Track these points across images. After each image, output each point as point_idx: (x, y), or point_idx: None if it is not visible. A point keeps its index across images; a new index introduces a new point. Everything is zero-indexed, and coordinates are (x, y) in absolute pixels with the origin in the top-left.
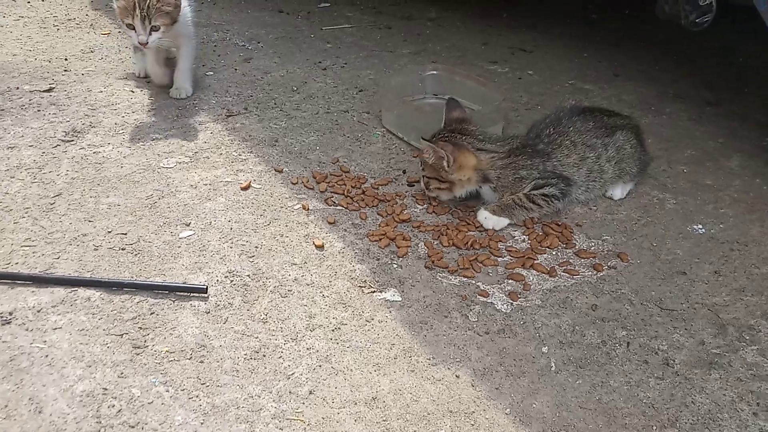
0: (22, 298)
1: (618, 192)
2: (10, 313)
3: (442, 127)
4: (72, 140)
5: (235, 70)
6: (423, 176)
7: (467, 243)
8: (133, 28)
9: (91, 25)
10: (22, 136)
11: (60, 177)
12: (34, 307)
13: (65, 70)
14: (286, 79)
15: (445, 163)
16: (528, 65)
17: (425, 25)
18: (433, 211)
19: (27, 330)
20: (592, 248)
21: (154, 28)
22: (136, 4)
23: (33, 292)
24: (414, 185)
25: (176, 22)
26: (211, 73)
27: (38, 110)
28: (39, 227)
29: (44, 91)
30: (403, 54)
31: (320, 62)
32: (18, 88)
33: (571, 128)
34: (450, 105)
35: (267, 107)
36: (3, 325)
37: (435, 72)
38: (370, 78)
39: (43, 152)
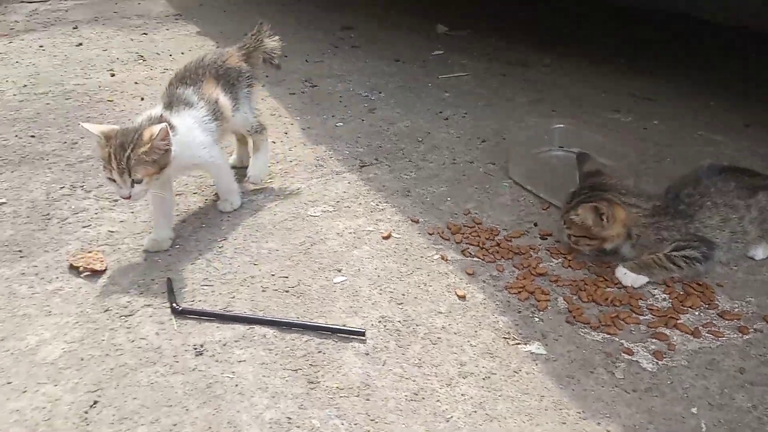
0: (210, 333)
1: (760, 252)
2: (202, 345)
3: (578, 182)
4: None
5: (362, 120)
6: (569, 234)
7: (607, 299)
8: (114, 181)
9: None
10: (186, 184)
11: (223, 222)
12: (220, 341)
13: None
14: (411, 129)
15: (605, 219)
16: (652, 114)
17: (541, 72)
18: (569, 266)
19: (217, 361)
20: (736, 309)
21: (136, 181)
22: (112, 155)
23: (218, 327)
24: (547, 238)
25: (167, 166)
26: (341, 123)
27: None
28: (213, 268)
29: None
30: (522, 103)
31: (441, 112)
32: None
33: (712, 189)
34: (581, 159)
35: (396, 158)
36: (197, 356)
37: (562, 125)
38: (491, 128)
39: (206, 200)
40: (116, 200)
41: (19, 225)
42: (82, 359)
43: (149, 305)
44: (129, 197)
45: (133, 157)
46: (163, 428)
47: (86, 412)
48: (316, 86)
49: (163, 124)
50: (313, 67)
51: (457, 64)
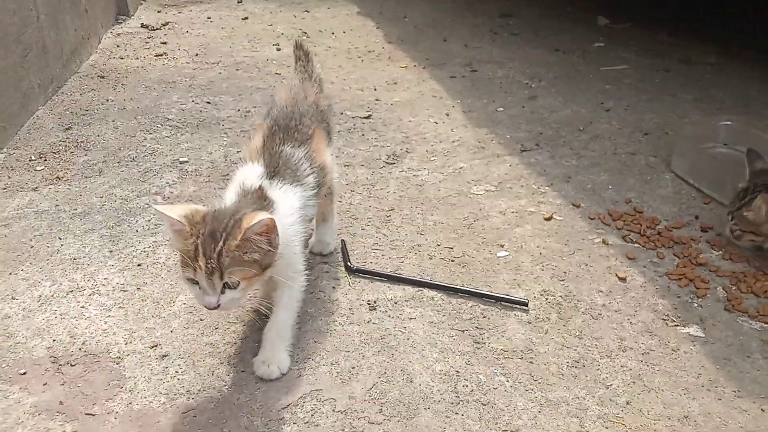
0: (381, 291)
1: None
2: (375, 302)
3: (748, 179)
4: (394, 163)
5: (523, 107)
6: (734, 228)
7: (767, 292)
8: (196, 283)
9: (389, 57)
10: (354, 156)
11: (390, 194)
12: (391, 299)
13: (377, 100)
14: (572, 118)
15: None
16: None
17: (705, 70)
18: (729, 258)
19: (389, 317)
20: None
21: (229, 285)
22: (199, 249)
23: (389, 287)
24: (707, 231)
25: (270, 267)
26: (501, 109)
27: (362, 134)
28: (382, 235)
29: (364, 117)
30: (686, 99)
31: (602, 103)
32: (343, 113)
33: None
34: (751, 156)
35: (557, 145)
36: (370, 310)
37: (729, 122)
38: (653, 122)
39: (373, 172)
40: None
41: (201, 183)
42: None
43: (325, 263)
44: (217, 306)
45: (226, 252)
46: (342, 369)
47: None
48: (476, 71)
49: (268, 216)
50: (473, 53)
51: (619, 57)
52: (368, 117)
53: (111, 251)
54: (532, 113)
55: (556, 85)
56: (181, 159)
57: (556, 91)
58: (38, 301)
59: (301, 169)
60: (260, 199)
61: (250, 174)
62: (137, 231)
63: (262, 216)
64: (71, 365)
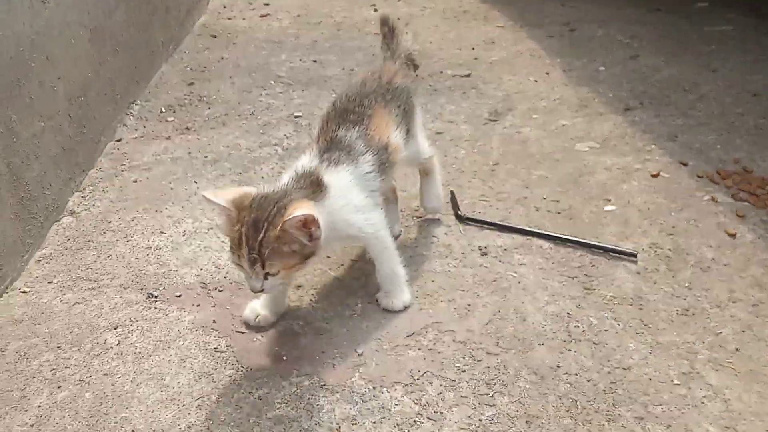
0: (491, 239)
1: None
2: (485, 248)
3: None
4: (496, 120)
5: (624, 66)
6: None
7: None
8: (242, 267)
9: (485, 17)
10: (457, 113)
11: (493, 150)
12: (501, 246)
13: (475, 58)
14: (676, 78)
15: None
16: None
17: None
18: None
19: (500, 261)
20: None
21: (270, 274)
22: (243, 238)
23: (498, 236)
24: None
25: (314, 255)
26: (603, 68)
27: (464, 92)
28: (488, 187)
29: (464, 76)
30: None
31: (708, 64)
32: (442, 72)
33: None
34: None
35: (661, 104)
36: (482, 255)
37: None
38: (761, 83)
39: (476, 128)
40: None
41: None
42: None
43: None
44: (262, 290)
45: (266, 244)
46: (459, 306)
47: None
48: (574, 30)
49: (306, 212)
50: (570, 12)
51: (723, 18)
52: (468, 75)
53: None
54: (635, 72)
55: (658, 44)
56: (295, 114)
57: (658, 50)
58: (183, 235)
59: (355, 147)
60: (312, 183)
61: (305, 158)
62: (263, 177)
63: (300, 211)
64: (219, 290)
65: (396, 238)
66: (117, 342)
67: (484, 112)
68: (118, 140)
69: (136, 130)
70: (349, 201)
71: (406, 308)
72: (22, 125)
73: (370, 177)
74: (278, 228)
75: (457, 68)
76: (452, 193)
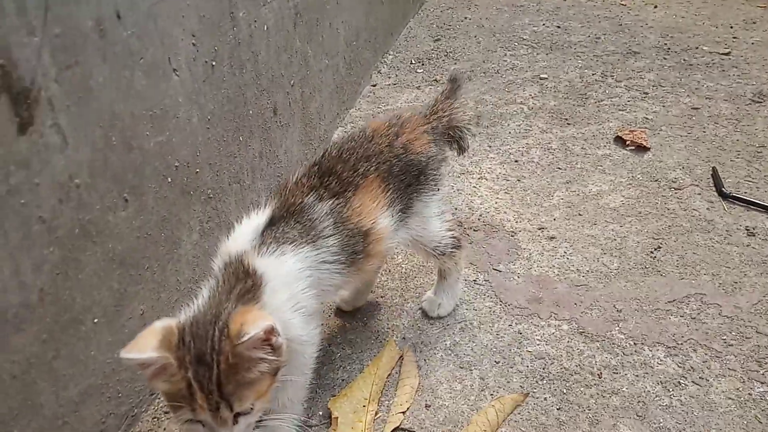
0: (760, 220)
1: None
2: (753, 228)
3: None
4: (761, 102)
5: None
6: None
7: None
8: (202, 424)
9: None
10: (716, 90)
11: (759, 131)
12: None
13: (734, 38)
14: None
15: None
16: None
17: None
18: None
19: None
20: None
21: (242, 413)
22: (192, 382)
23: (767, 217)
24: None
25: (281, 368)
26: None
27: (723, 70)
28: (754, 168)
29: (722, 54)
30: None
31: None
32: (698, 47)
33: None
34: None
35: None
36: (749, 236)
37: None
38: None
39: (737, 108)
40: (646, 92)
41: (561, 99)
42: (639, 212)
43: (696, 185)
44: None
45: (226, 379)
46: (723, 282)
47: (652, 252)
48: None
49: (266, 324)
50: None
51: None
52: (727, 54)
53: (490, 146)
54: None
55: None
56: (540, 75)
57: None
58: None
59: (319, 227)
60: (240, 277)
61: (245, 229)
62: (509, 133)
63: (249, 326)
64: (474, 230)
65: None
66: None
67: (746, 92)
68: (374, 85)
69: (389, 77)
70: (290, 296)
71: None
72: (315, 60)
73: (327, 269)
74: (230, 355)
75: (714, 45)
76: (714, 169)
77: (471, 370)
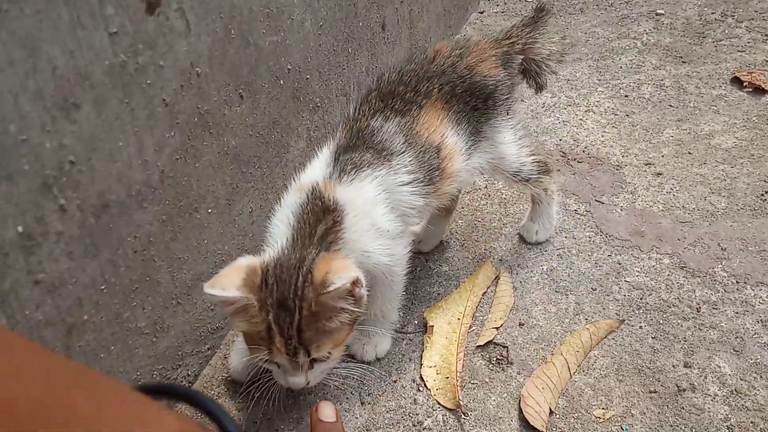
0: None
1: None
2: None
3: None
4: None
5: None
6: None
7: None
8: (277, 365)
9: None
10: None
11: None
12: None
13: None
14: None
15: None
16: None
17: None
18: None
19: None
20: None
21: (318, 360)
22: (272, 326)
23: None
24: None
25: (361, 316)
26: None
27: None
28: None
29: None
30: None
31: None
32: None
33: None
34: None
35: None
36: None
37: None
38: None
39: None
40: None
41: (677, 36)
42: (752, 155)
43: None
44: (306, 385)
45: (307, 326)
46: None
47: (762, 195)
48: None
49: (352, 275)
50: None
51: None
52: None
53: (599, 80)
54: None
55: None
56: (657, 11)
57: None
58: (543, 107)
59: (389, 145)
60: (321, 214)
61: (318, 163)
62: (621, 67)
63: (336, 277)
64: (578, 162)
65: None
66: (485, 185)
67: None
68: (481, 12)
69: (497, 4)
70: (371, 223)
71: (378, 360)
72: None
73: (406, 191)
74: (313, 303)
75: None
76: None
77: (567, 294)
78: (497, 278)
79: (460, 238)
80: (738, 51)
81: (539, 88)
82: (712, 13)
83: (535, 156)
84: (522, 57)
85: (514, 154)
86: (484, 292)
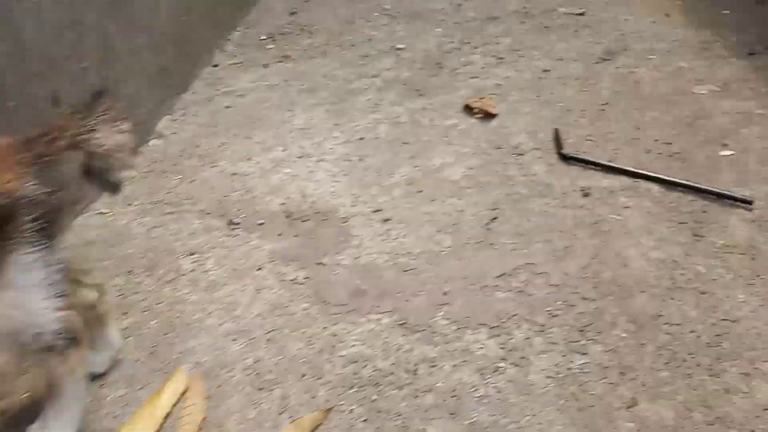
0: (596, 179)
1: None
2: (588, 188)
3: None
4: (608, 59)
5: (751, 11)
6: None
7: None
8: None
9: None
10: (567, 50)
11: (604, 89)
12: (606, 188)
13: None
14: None
15: None
16: None
17: None
18: None
19: (603, 203)
20: None
21: None
22: None
23: (603, 177)
24: None
25: None
26: (727, 12)
27: (576, 30)
28: (595, 127)
29: (577, 14)
30: None
31: None
32: (554, 9)
33: None
34: None
35: None
36: (584, 197)
37: None
38: None
39: (586, 67)
40: (501, 57)
41: (415, 69)
42: (479, 182)
43: (538, 149)
44: None
45: None
46: (555, 248)
47: (487, 224)
48: None
49: None
50: None
51: None
52: (582, 14)
53: (335, 124)
54: (763, 17)
55: None
56: (398, 46)
57: None
58: (272, 162)
59: None
60: None
61: None
62: (358, 108)
63: None
64: (303, 221)
65: None
66: (191, 269)
67: (597, 51)
68: (215, 65)
69: (234, 56)
70: None
71: None
72: (123, 38)
73: None
74: None
75: (570, 6)
76: (556, 131)
77: (272, 390)
78: (185, 391)
79: (149, 344)
80: (471, 77)
81: (113, 188)
82: (450, 42)
83: (64, 311)
84: (81, 153)
85: (38, 307)
86: (169, 413)
